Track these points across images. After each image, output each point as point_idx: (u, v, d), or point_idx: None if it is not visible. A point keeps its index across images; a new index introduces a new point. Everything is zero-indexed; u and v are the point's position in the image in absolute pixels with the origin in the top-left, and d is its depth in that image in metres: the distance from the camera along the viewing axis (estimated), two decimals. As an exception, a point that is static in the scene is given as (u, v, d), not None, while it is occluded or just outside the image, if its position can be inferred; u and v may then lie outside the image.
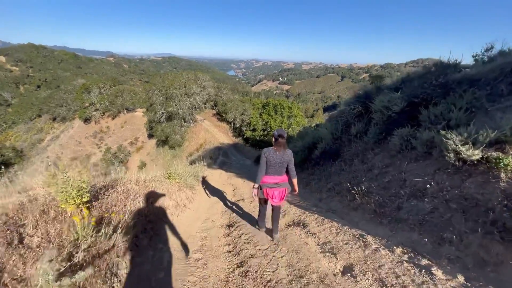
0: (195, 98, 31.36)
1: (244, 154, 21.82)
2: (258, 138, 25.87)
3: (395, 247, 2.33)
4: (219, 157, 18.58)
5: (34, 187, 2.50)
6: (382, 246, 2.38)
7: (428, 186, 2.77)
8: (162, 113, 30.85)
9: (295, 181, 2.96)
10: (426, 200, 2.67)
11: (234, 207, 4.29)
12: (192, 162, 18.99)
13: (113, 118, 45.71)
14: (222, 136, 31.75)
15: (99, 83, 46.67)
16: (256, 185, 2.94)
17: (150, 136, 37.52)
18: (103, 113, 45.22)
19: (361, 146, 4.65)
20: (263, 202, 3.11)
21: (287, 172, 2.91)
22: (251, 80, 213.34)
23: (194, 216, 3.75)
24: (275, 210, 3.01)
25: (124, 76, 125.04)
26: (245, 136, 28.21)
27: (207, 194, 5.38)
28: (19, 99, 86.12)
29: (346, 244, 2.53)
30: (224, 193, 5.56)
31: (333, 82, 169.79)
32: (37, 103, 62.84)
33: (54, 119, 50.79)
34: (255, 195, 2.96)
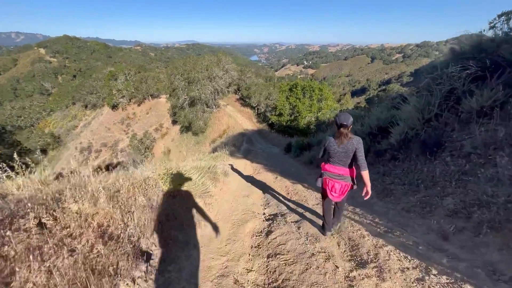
0: (217, 82, 29.73)
1: (270, 141, 19.95)
2: (284, 124, 23.72)
3: None
4: (243, 144, 16.96)
5: None
6: None
7: None
8: (185, 98, 29.78)
9: (366, 175, 2.28)
10: None
11: (272, 235, 2.49)
12: (214, 150, 17.62)
13: (139, 105, 46.39)
14: (245, 121, 30.13)
15: (124, 70, 47.07)
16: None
17: (174, 122, 37.23)
18: (130, 100, 45.94)
19: (505, 128, 2.52)
20: (325, 194, 2.59)
21: (353, 163, 2.40)
22: (274, 65, 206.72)
23: (201, 264, 1.99)
24: (339, 206, 2.63)
25: (151, 64, 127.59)
26: (270, 122, 26.21)
27: (227, 202, 3.63)
28: (57, 89, 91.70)
29: None
30: (253, 201, 3.77)
31: (362, 64, 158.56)
32: (72, 91, 65.95)
33: (86, 106, 52.87)
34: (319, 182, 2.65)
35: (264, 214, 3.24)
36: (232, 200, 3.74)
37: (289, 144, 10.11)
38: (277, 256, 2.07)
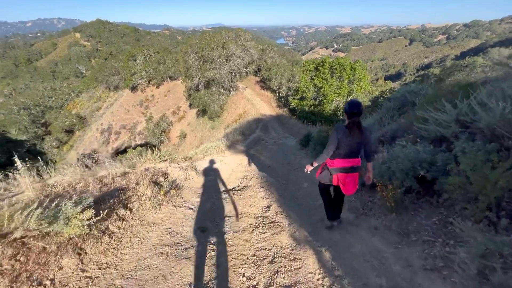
0: (234, 61, 26.78)
1: (288, 129, 17.03)
2: (307, 109, 20.42)
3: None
4: (255, 132, 14.33)
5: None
6: None
7: None
8: (200, 79, 27.42)
9: (370, 166, 2.39)
10: None
11: None
12: (225, 136, 15.18)
13: (157, 87, 45.84)
14: (264, 106, 27.25)
15: (143, 50, 46.16)
16: (315, 164, 2.41)
17: (191, 105, 35.66)
18: (148, 81, 45.46)
19: None
20: (327, 187, 2.50)
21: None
22: (302, 49, 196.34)
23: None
24: (341, 196, 2.52)
25: (177, 47, 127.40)
26: (291, 107, 23.02)
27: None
28: (90, 72, 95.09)
29: None
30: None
31: (398, 47, 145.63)
32: (95, 72, 67.48)
33: (109, 88, 53.40)
34: (307, 171, 2.45)
35: None
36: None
37: (307, 135, 7.15)
38: None
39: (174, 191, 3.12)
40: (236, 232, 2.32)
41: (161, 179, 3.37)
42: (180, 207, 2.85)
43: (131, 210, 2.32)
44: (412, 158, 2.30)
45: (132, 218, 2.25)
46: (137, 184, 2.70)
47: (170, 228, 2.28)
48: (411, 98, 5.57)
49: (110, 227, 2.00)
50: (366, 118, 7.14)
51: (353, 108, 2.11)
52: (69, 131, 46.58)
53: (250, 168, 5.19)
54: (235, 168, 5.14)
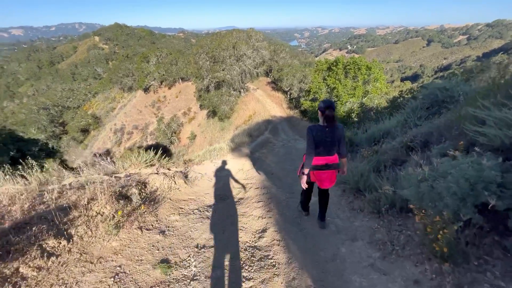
0: (245, 61, 26.25)
1: (299, 131, 16.19)
2: (319, 111, 19.43)
3: None
4: (264, 134, 13.65)
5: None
6: None
7: None
8: (210, 80, 27.14)
9: (344, 160, 2.61)
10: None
11: None
12: (233, 139, 14.60)
13: (169, 88, 46.42)
14: (274, 107, 26.54)
15: (156, 52, 46.84)
16: (306, 171, 2.47)
17: (201, 106, 35.69)
18: (161, 83, 46.15)
19: None
20: (311, 187, 2.65)
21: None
22: (315, 50, 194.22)
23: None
24: (324, 194, 2.63)
25: (190, 49, 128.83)
26: (302, 108, 22.15)
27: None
28: (107, 74, 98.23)
29: None
30: None
31: (415, 48, 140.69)
32: (110, 74, 69.35)
33: (123, 89, 54.65)
34: (303, 183, 2.45)
35: None
36: None
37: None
38: None
39: (144, 207, 2.46)
40: (208, 278, 1.63)
41: (134, 190, 2.72)
42: (147, 230, 2.19)
43: (70, 238, 1.69)
44: (471, 176, 1.54)
45: (69, 250, 1.61)
46: (92, 199, 2.07)
47: (119, 267, 1.63)
48: (442, 96, 4.68)
49: (22, 270, 1.36)
50: (385, 119, 6.27)
51: (327, 103, 2.33)
52: (85, 131, 48.01)
53: (251, 175, 4.49)
54: (234, 174, 4.48)
